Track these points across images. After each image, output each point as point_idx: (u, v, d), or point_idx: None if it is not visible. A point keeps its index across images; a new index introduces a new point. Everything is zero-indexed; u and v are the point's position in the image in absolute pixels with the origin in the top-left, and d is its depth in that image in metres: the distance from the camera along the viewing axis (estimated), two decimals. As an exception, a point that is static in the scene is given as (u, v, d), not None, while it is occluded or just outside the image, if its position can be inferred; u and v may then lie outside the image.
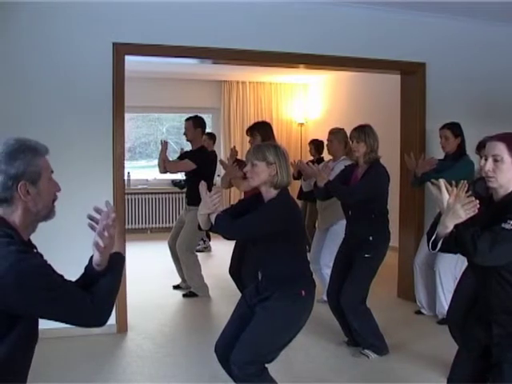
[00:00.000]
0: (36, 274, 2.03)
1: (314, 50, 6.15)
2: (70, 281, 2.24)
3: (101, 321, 2.23)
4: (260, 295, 3.65)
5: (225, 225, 3.49)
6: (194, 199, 6.59)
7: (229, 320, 3.79)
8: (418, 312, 6.29)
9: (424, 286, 6.21)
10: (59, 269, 2.19)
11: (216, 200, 3.49)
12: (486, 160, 2.81)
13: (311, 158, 9.29)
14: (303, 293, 3.55)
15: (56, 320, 2.15)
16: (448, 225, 2.75)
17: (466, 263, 3.10)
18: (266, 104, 12.64)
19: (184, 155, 7.21)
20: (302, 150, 12.50)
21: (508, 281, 2.78)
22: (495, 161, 2.77)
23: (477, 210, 2.70)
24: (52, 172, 2.28)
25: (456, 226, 2.72)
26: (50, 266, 2.12)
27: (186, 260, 6.98)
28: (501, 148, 2.76)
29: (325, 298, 6.66)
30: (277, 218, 3.48)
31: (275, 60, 6.26)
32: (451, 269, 5.76)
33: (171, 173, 7.63)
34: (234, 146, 6.95)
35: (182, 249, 6.97)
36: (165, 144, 7.00)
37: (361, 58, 6.35)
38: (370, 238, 4.97)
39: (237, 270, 6.05)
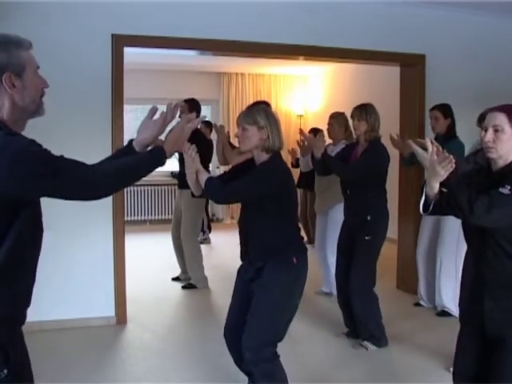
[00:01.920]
0: (28, 149, 2.01)
1: (313, 41, 6.13)
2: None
3: (97, 193, 2.22)
4: (253, 266, 3.61)
5: (215, 188, 3.45)
6: (185, 181, 6.57)
7: (231, 302, 3.79)
8: (417, 304, 6.29)
9: (424, 277, 6.21)
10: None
11: (192, 152, 3.43)
12: (486, 131, 2.82)
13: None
14: (295, 260, 3.49)
15: (56, 196, 2.11)
16: (432, 184, 2.81)
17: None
18: (265, 96, 12.58)
19: None
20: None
21: (506, 251, 2.78)
22: (495, 131, 2.78)
23: (454, 166, 2.73)
24: (38, 68, 2.28)
25: (449, 188, 2.73)
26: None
27: (190, 249, 6.99)
28: (501, 118, 2.77)
29: (324, 290, 6.72)
30: (268, 179, 3.44)
31: (274, 52, 6.25)
32: (453, 254, 5.74)
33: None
34: (221, 125, 6.90)
35: (187, 235, 6.98)
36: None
37: (360, 49, 6.33)
38: (368, 218, 4.98)
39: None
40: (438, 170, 2.75)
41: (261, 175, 3.46)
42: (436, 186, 2.81)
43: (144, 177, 2.38)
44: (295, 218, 3.72)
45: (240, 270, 3.79)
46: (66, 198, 2.16)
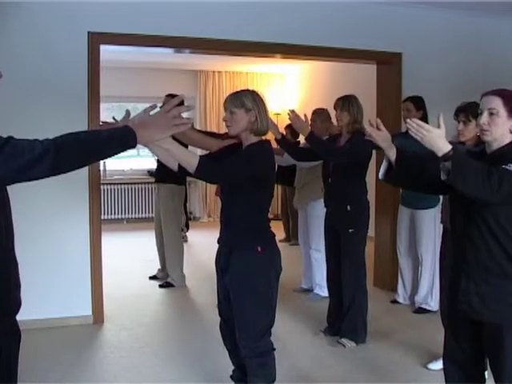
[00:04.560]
0: None
1: (290, 39, 6.14)
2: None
3: (50, 168, 2.10)
4: (222, 252, 3.60)
5: (209, 168, 3.26)
6: (162, 175, 6.56)
7: (217, 292, 3.76)
8: (394, 301, 6.33)
9: (405, 274, 6.27)
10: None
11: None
12: (481, 114, 2.85)
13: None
14: (259, 249, 3.45)
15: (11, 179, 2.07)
16: (389, 156, 3.04)
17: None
18: (243, 94, 12.58)
19: None
20: (278, 139, 12.50)
21: (490, 229, 2.79)
22: (491, 114, 2.82)
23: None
24: None
25: (460, 162, 2.64)
26: None
27: (172, 242, 6.97)
28: (497, 102, 2.81)
29: (303, 286, 6.74)
30: (258, 160, 3.41)
31: (251, 49, 6.25)
32: (432, 249, 5.79)
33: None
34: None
35: (168, 228, 6.96)
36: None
37: (337, 47, 6.34)
38: (348, 208, 5.00)
39: None
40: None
41: (251, 156, 3.41)
42: (392, 156, 2.99)
43: (106, 158, 2.25)
44: (268, 206, 3.67)
45: (216, 256, 3.74)
46: (16, 179, 2.08)
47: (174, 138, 2.93)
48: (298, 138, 8.96)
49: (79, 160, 2.20)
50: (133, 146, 2.28)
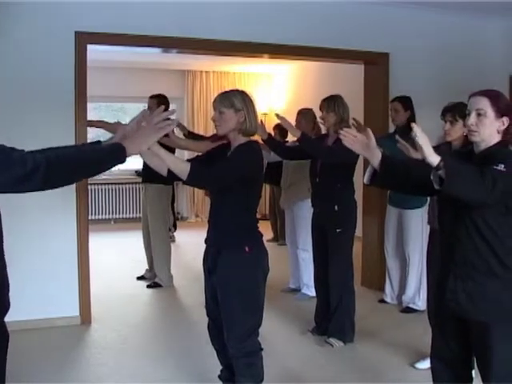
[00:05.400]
0: None
1: (278, 40, 6.14)
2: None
3: (41, 184, 2.12)
4: (210, 252, 3.60)
5: (200, 173, 3.27)
6: (149, 175, 6.54)
7: (205, 292, 3.75)
8: (382, 301, 6.34)
9: (392, 274, 6.29)
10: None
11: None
12: (469, 115, 2.86)
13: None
14: (247, 249, 3.46)
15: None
16: (373, 163, 2.95)
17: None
18: (230, 94, 12.57)
19: None
20: (266, 139, 12.50)
21: (478, 229, 2.80)
22: (478, 115, 2.83)
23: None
24: None
25: (451, 168, 2.61)
26: None
27: (159, 242, 6.95)
28: (484, 103, 2.82)
29: (291, 286, 6.75)
30: (248, 160, 3.42)
31: (239, 49, 6.25)
32: (420, 249, 5.82)
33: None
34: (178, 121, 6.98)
35: (155, 228, 6.94)
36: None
37: (325, 48, 6.35)
38: (336, 208, 5.01)
39: None
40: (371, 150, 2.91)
41: (240, 157, 3.42)
42: (376, 163, 2.91)
43: (98, 174, 2.33)
44: (256, 206, 3.67)
45: (203, 256, 3.74)
46: (5, 191, 2.09)
47: (160, 143, 2.95)
48: (286, 137, 8.96)
49: (70, 177, 2.25)
50: (123, 161, 2.34)
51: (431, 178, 2.67)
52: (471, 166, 2.70)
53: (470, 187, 2.62)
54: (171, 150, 5.85)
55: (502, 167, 2.66)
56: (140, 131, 2.47)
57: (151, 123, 2.47)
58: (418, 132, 2.62)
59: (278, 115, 4.91)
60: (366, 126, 3.33)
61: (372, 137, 2.91)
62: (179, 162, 3.27)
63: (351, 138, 2.91)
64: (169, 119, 2.59)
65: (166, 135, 3.34)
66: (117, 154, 2.33)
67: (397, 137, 3.92)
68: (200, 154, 3.84)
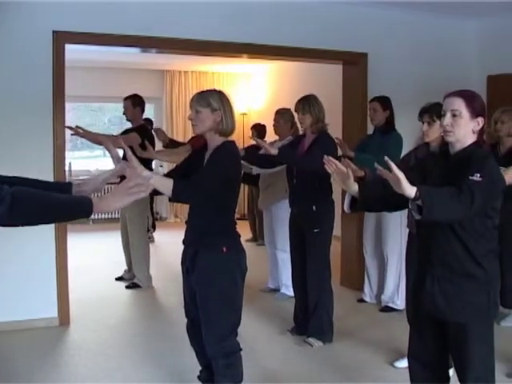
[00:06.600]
0: None
1: (256, 39, 6.15)
2: None
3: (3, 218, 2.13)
4: (188, 253, 3.60)
5: (188, 191, 3.31)
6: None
7: (183, 293, 3.76)
8: (361, 300, 6.37)
9: (371, 273, 6.32)
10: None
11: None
12: (444, 115, 2.89)
13: (253, 142, 9.24)
14: (225, 249, 3.47)
15: None
16: (350, 191, 3.07)
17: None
18: (209, 93, 12.56)
19: (128, 131, 6.97)
20: (244, 139, 12.43)
21: (455, 232, 2.83)
22: (453, 116, 2.85)
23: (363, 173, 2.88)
24: None
25: (425, 194, 2.64)
26: None
27: (137, 243, 6.93)
28: (459, 103, 2.85)
29: (270, 286, 6.76)
30: (225, 165, 3.42)
31: (218, 50, 6.25)
32: (398, 250, 5.85)
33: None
34: (159, 128, 7.18)
35: (134, 229, 6.91)
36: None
37: (302, 48, 6.37)
38: (314, 208, 5.04)
39: None
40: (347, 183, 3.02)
41: (218, 162, 3.43)
42: (354, 192, 3.04)
43: (58, 222, 2.34)
44: (234, 207, 3.67)
45: (182, 257, 3.74)
46: None
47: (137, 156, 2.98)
48: (264, 137, 8.96)
49: (33, 219, 2.24)
50: (87, 216, 2.35)
51: (410, 207, 2.72)
52: (447, 187, 2.71)
53: (449, 209, 2.66)
54: (147, 162, 5.90)
55: (477, 177, 2.68)
56: (114, 191, 2.43)
57: (126, 184, 2.43)
58: (393, 168, 2.64)
59: (254, 138, 5.24)
60: (347, 160, 3.36)
61: (351, 176, 3.01)
62: (164, 180, 3.31)
63: (333, 167, 3.03)
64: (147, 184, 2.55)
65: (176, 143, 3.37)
66: (83, 207, 2.33)
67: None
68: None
